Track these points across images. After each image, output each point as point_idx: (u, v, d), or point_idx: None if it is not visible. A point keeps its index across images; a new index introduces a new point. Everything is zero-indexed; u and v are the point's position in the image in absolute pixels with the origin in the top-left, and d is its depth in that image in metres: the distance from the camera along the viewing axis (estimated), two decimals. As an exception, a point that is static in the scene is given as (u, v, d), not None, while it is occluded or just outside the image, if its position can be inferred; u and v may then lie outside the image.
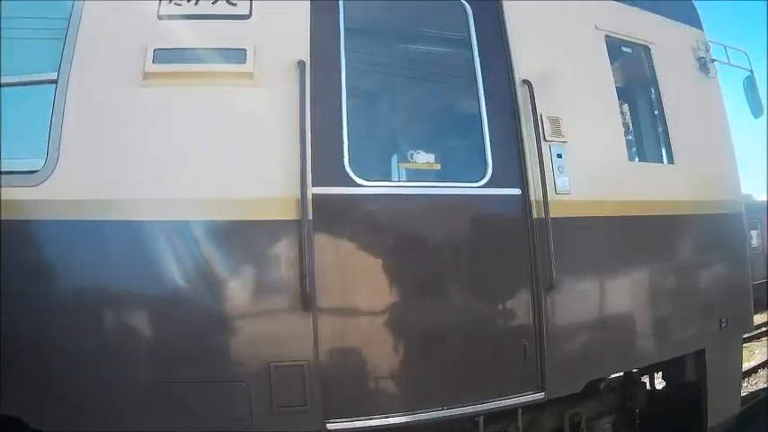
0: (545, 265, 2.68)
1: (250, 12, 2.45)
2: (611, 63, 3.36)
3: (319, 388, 2.26)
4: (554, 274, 2.67)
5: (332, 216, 2.39)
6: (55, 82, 2.26)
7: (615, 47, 3.42)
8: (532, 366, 2.65)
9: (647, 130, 3.66)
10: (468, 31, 2.89)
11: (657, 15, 3.69)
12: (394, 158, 2.98)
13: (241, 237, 2.31)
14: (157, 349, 2.20)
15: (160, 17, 2.38)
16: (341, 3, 2.64)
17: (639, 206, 3.12)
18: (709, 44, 3.95)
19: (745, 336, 12.77)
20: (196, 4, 2.42)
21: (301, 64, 2.40)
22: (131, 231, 2.22)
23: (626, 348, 3.01)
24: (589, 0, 3.35)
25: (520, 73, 2.88)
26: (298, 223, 2.25)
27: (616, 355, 2.97)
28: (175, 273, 2.23)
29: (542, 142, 2.82)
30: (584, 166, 2.94)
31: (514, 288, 2.73)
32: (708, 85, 3.83)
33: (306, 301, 2.23)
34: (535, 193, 2.75)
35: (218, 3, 2.43)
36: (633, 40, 3.51)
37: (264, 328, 2.30)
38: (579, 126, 3.00)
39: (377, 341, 2.45)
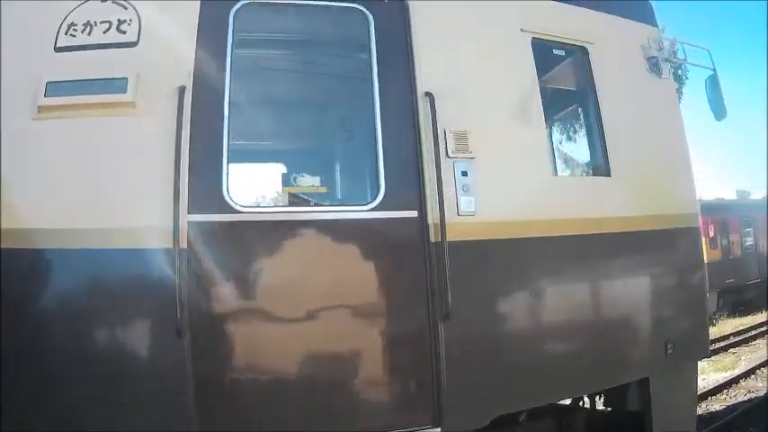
0: (442, 292, 2.47)
1: (138, 39, 2.42)
2: (543, 67, 3.09)
3: (196, 413, 2.21)
4: (449, 303, 2.46)
5: (210, 244, 2.34)
6: None
7: (545, 49, 3.13)
8: (428, 399, 2.47)
9: (581, 141, 3.38)
10: (368, 41, 2.67)
11: (600, 13, 3.38)
12: (279, 182, 2.78)
13: (122, 265, 2.29)
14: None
15: (57, 49, 2.39)
16: (230, 20, 2.51)
17: (566, 225, 2.86)
18: (664, 42, 3.63)
19: (743, 337, 12.57)
20: (89, 34, 2.41)
21: (181, 90, 2.34)
22: (18, 259, 2.20)
23: (545, 380, 2.75)
24: (515, 1, 3.07)
25: (423, 84, 2.65)
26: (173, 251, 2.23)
27: (532, 388, 2.72)
28: (54, 301, 2.25)
29: (444, 159, 2.58)
30: (497, 184, 2.69)
31: (409, 317, 2.53)
32: (660, 86, 3.52)
33: (179, 328, 2.20)
34: (433, 216, 2.52)
35: (110, 31, 2.42)
36: (567, 41, 3.21)
37: (141, 354, 2.29)
38: (493, 140, 2.75)
39: (254, 370, 2.39)
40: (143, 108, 2.34)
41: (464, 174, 2.62)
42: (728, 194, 19.64)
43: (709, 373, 8.37)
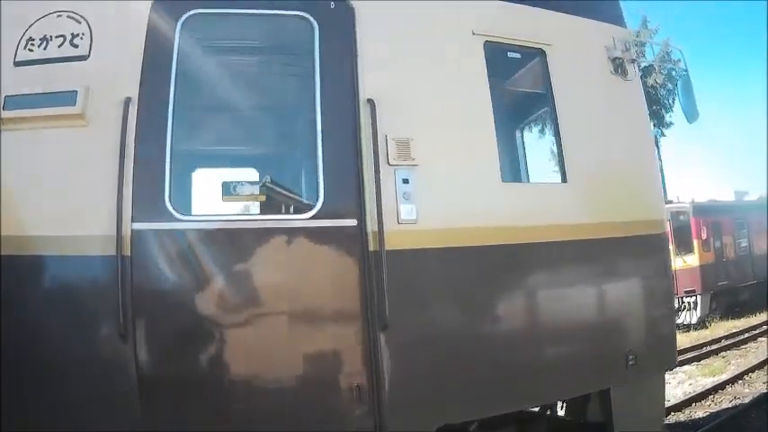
0: (381, 302, 2.42)
1: (89, 52, 2.47)
2: (497, 71, 3.01)
3: (140, 415, 2.25)
4: (387, 312, 2.41)
5: (152, 251, 2.39)
6: None
7: (500, 53, 3.06)
8: (368, 408, 2.44)
9: (536, 146, 3.29)
10: (312, 48, 2.62)
11: (560, 14, 3.30)
12: (220, 191, 2.75)
13: (70, 271, 2.37)
14: None
15: (16, 63, 2.45)
16: (177, 31, 2.53)
17: (515, 233, 2.78)
18: (631, 43, 3.55)
19: (741, 338, 12.46)
20: (45, 48, 2.47)
21: (127, 101, 2.39)
22: None
23: (493, 390, 2.67)
24: (467, 2, 2.99)
25: (366, 91, 2.60)
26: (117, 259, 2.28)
27: (479, 399, 2.65)
28: (3, 306, 2.24)
29: (385, 167, 2.53)
30: (441, 191, 2.63)
31: (347, 325, 2.50)
32: (625, 88, 3.43)
33: (124, 332, 2.25)
34: (372, 224, 2.47)
35: (64, 45, 2.48)
36: (524, 43, 3.13)
37: (86, 357, 2.32)
38: (439, 146, 2.69)
39: (197, 372, 2.40)
40: (91, 120, 2.39)
41: (405, 181, 2.56)
42: (727, 195, 19.48)
43: (697, 378, 8.27)
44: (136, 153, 2.37)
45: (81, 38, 2.46)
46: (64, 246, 2.30)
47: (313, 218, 2.46)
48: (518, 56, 3.19)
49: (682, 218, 14.86)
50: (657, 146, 25.69)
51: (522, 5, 3.14)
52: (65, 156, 2.38)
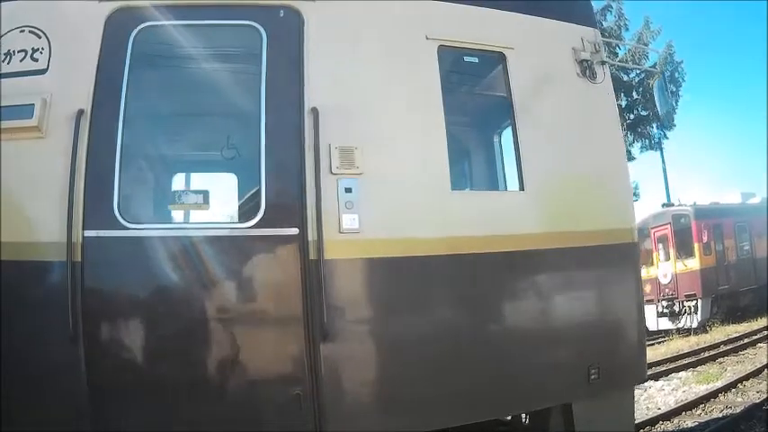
0: (320, 311, 2.40)
1: (48, 65, 2.54)
2: (454, 76, 2.95)
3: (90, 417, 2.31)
4: (326, 321, 2.39)
5: (102, 258, 2.46)
6: None
7: (456, 57, 2.99)
8: (308, 418, 2.44)
9: (492, 153, 3.21)
10: (260, 57, 2.61)
11: (522, 15, 3.21)
12: (167, 200, 2.75)
13: (24, 276, 2.43)
14: None
15: None
16: (130, 43, 2.58)
17: (467, 243, 2.71)
18: (600, 44, 3.45)
19: (740, 344, 12.25)
20: (9, 62, 2.55)
21: (80, 112, 2.47)
22: None
23: (439, 403, 2.61)
24: (421, 7, 2.93)
25: (311, 100, 2.58)
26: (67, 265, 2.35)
27: (424, 410, 2.59)
28: None
29: (327, 176, 2.50)
30: (386, 201, 2.59)
31: (288, 334, 2.50)
32: (593, 91, 3.33)
33: (73, 336, 2.32)
34: (312, 233, 2.44)
35: (25, 60, 2.56)
36: (482, 47, 3.07)
37: (37, 360, 2.38)
38: (385, 155, 2.65)
39: (143, 375, 2.46)
40: (46, 132, 2.47)
41: (348, 190, 2.53)
42: (733, 197, 19.12)
43: (691, 385, 8.10)
44: (87, 163, 2.44)
45: (41, 52, 2.54)
46: (21, 251, 2.38)
47: (254, 226, 2.45)
48: (476, 60, 3.12)
49: (683, 221, 14.64)
50: (660, 148, 24.59)
51: (482, 8, 3.07)
52: (24, 167, 2.46)
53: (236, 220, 2.70)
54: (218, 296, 2.50)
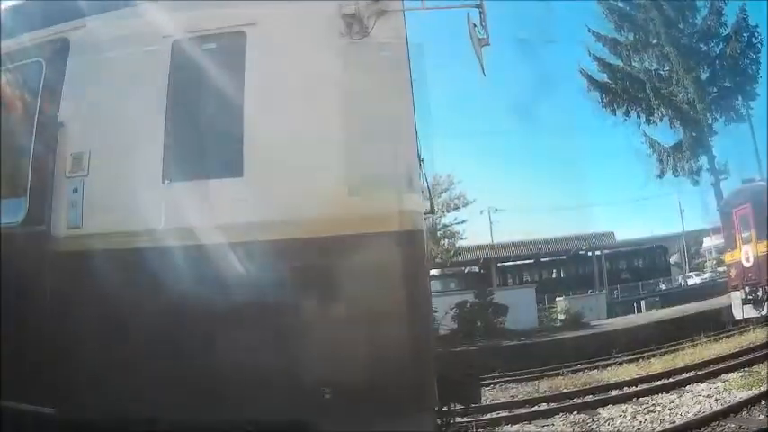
0: (51, 300, 2.90)
1: None
2: (191, 64, 2.95)
3: None
4: (50, 309, 2.88)
5: None
6: None
7: (194, 47, 2.97)
8: None
9: (216, 139, 3.05)
10: (40, 79, 3.20)
11: None
12: None
13: None
14: None
15: None
16: None
17: (179, 234, 2.85)
18: None
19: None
20: None
21: None
22: None
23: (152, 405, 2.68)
24: (156, 9, 3.06)
25: (62, 115, 3.07)
26: None
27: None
28: None
29: (62, 179, 3.00)
30: (104, 197, 2.96)
31: (33, 321, 2.85)
32: (363, 49, 2.87)
33: None
34: (53, 230, 2.98)
35: None
36: (220, 31, 2.96)
37: None
38: (108, 157, 3.00)
39: None
40: None
41: (75, 191, 2.99)
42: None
43: (731, 391, 6.41)
44: None
45: None
46: None
47: (21, 225, 3.08)
48: (214, 45, 3.01)
49: (763, 198, 12.07)
50: (749, 119, 21.83)
51: None
52: None
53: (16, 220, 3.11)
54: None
